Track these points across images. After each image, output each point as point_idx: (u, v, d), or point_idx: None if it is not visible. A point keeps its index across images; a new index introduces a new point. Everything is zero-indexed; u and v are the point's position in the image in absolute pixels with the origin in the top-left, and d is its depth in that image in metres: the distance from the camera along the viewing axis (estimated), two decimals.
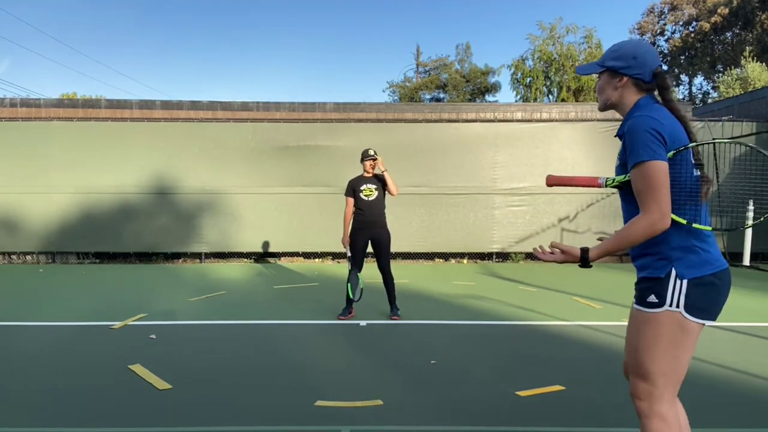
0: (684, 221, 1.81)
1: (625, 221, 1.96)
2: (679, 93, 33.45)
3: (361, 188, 5.57)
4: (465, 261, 10.40)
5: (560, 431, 2.92)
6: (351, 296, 5.43)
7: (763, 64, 21.01)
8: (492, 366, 4.06)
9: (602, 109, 2.09)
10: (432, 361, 4.10)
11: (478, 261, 10.38)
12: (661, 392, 1.85)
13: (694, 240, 1.84)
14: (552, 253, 1.91)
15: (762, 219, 1.99)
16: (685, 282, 1.80)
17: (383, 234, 5.56)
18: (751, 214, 8.87)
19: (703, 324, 1.83)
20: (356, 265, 5.52)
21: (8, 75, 60.59)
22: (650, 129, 1.78)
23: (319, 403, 3.27)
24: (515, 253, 10.26)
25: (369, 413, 3.14)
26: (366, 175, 5.62)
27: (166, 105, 13.53)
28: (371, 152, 5.62)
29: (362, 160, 5.62)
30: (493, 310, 5.97)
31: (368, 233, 5.53)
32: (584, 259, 1.87)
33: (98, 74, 69.52)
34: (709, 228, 1.87)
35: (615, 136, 2.03)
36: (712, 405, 3.23)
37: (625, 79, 1.94)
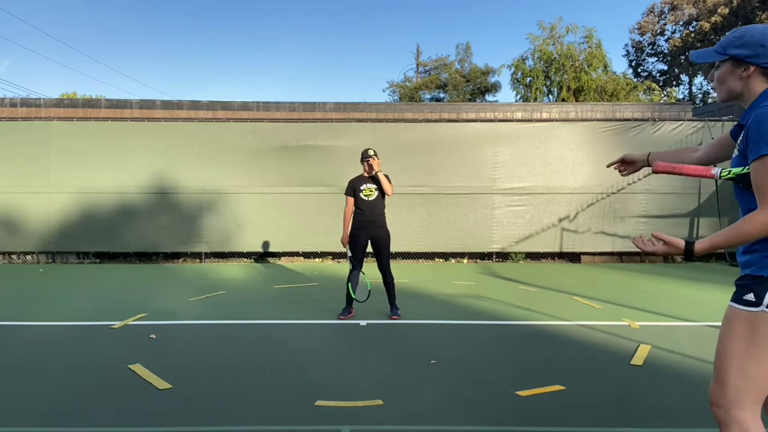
0: None
1: (742, 215, 1.83)
2: (679, 93, 33.46)
3: (362, 188, 5.57)
4: (465, 261, 10.40)
5: (560, 431, 2.92)
6: (353, 295, 5.45)
7: None
8: (492, 366, 4.06)
9: (725, 100, 1.92)
10: (432, 361, 4.10)
11: (478, 261, 10.38)
12: (740, 397, 1.73)
13: None
14: (654, 244, 1.78)
15: None
16: None
17: (382, 233, 5.58)
18: None
19: None
20: (356, 264, 5.53)
21: (8, 75, 60.60)
22: None
23: (319, 403, 3.27)
24: (515, 253, 10.26)
25: (369, 413, 3.14)
26: (366, 175, 5.62)
27: (166, 105, 13.56)
28: (370, 152, 5.60)
29: (362, 161, 5.61)
30: (493, 310, 5.97)
31: (368, 233, 5.54)
32: (689, 251, 1.75)
33: (98, 74, 69.57)
34: None
35: (736, 125, 1.91)
36: None
37: (753, 68, 1.78)
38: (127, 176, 9.86)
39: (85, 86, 78.32)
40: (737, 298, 1.77)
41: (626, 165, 2.30)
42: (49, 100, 13.39)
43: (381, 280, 5.61)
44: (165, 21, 58.15)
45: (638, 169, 2.29)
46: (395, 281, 5.68)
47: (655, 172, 1.92)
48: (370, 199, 5.54)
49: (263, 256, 10.27)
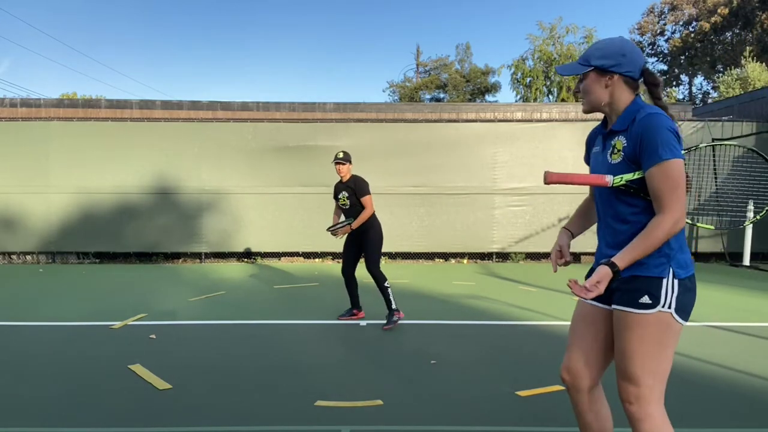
0: (690, 220, 1.82)
1: (616, 223, 1.91)
2: (679, 93, 33.45)
3: (338, 196, 5.35)
4: (465, 261, 10.40)
5: (560, 431, 2.92)
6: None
7: (763, 64, 21.00)
8: (492, 366, 4.06)
9: (589, 111, 2.00)
10: (432, 361, 4.10)
11: (478, 261, 10.38)
12: (651, 393, 1.84)
13: (683, 239, 1.86)
14: (590, 290, 1.77)
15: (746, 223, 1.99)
16: (677, 282, 1.81)
17: (366, 237, 5.25)
18: (750, 214, 8.89)
19: (683, 325, 1.84)
20: (343, 269, 5.41)
21: (8, 75, 60.57)
22: (671, 128, 1.76)
23: (319, 403, 3.27)
24: (515, 253, 10.26)
25: (369, 413, 3.14)
26: (342, 180, 5.33)
27: (166, 105, 13.56)
28: (339, 155, 5.24)
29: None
30: (493, 310, 5.97)
31: (352, 240, 5.37)
32: (616, 273, 1.78)
33: (98, 74, 69.55)
34: (712, 227, 1.88)
35: (605, 131, 1.98)
36: (712, 405, 3.23)
37: (616, 77, 1.88)
38: (127, 176, 9.85)
39: (85, 86, 78.33)
40: (630, 302, 1.82)
41: (563, 254, 2.14)
42: (49, 100, 13.39)
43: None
44: (165, 21, 58.18)
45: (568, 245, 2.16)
46: (396, 281, 5.62)
47: (546, 182, 1.95)
48: (346, 207, 5.31)
49: (263, 256, 10.26)
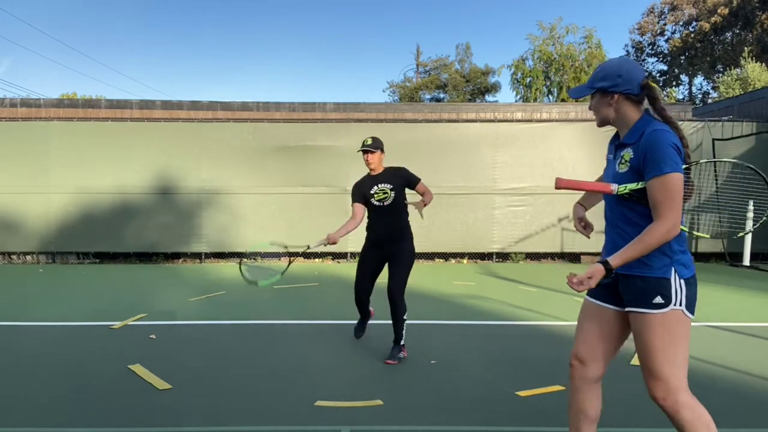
0: (686, 228, 1.98)
1: (623, 224, 2.08)
2: (679, 93, 33.46)
3: (371, 191, 4.23)
4: (465, 261, 10.40)
5: (560, 431, 2.92)
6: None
7: (763, 64, 21.01)
8: (492, 366, 4.06)
9: (601, 125, 2.23)
10: (432, 361, 4.10)
11: (478, 261, 10.37)
12: (678, 384, 1.98)
13: (684, 243, 2.03)
14: (582, 283, 1.94)
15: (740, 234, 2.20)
16: (683, 281, 1.97)
17: (401, 249, 4.19)
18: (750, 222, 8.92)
19: (691, 318, 2.01)
20: (359, 289, 4.30)
21: (8, 75, 60.60)
22: (672, 144, 1.93)
23: (319, 403, 3.27)
24: (515, 253, 10.26)
25: (369, 413, 3.14)
26: (372, 173, 4.30)
27: (166, 105, 13.55)
28: (368, 141, 4.27)
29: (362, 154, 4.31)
30: (493, 310, 5.97)
31: (382, 252, 4.25)
32: (609, 270, 1.94)
33: (98, 74, 69.63)
34: (708, 236, 2.06)
35: (618, 143, 2.16)
36: (712, 405, 3.22)
37: (617, 96, 2.07)
38: (127, 176, 9.85)
39: (85, 86, 78.44)
40: (645, 303, 1.98)
41: (586, 223, 2.44)
42: (49, 101, 13.38)
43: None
44: (165, 21, 58.17)
45: (587, 210, 2.50)
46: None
47: (557, 188, 2.17)
48: (384, 205, 4.18)
49: (263, 256, 10.26)
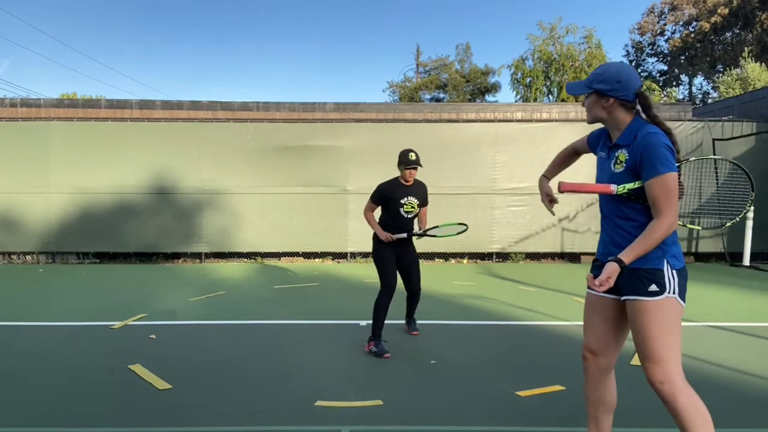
0: (681, 222, 2.01)
1: (620, 221, 2.21)
2: (679, 93, 33.44)
3: (402, 201, 4.48)
4: (465, 261, 10.40)
5: (560, 431, 2.92)
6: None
7: (763, 64, 21.00)
8: (492, 366, 4.06)
9: (592, 123, 2.37)
10: (432, 361, 4.11)
11: (478, 261, 10.37)
12: (675, 368, 2.08)
13: (675, 235, 2.16)
14: (603, 284, 2.06)
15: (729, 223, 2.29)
16: (674, 271, 2.11)
17: (413, 249, 4.76)
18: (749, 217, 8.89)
19: (684, 306, 2.14)
20: (388, 285, 4.48)
21: (8, 75, 60.59)
22: (666, 145, 2.06)
23: (319, 403, 3.27)
24: (515, 253, 10.26)
25: (369, 413, 3.15)
26: (405, 183, 4.51)
27: (166, 105, 13.56)
28: (412, 157, 4.40)
29: (404, 166, 4.43)
30: (493, 310, 5.97)
31: (397, 250, 4.61)
32: (623, 267, 2.06)
33: (98, 74, 69.60)
34: (700, 227, 2.16)
35: (611, 144, 2.29)
36: (712, 405, 3.22)
37: (612, 100, 2.18)
38: (127, 176, 9.85)
39: (85, 86, 78.43)
40: (641, 292, 2.10)
41: (551, 197, 2.65)
42: (49, 101, 13.39)
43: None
44: (165, 21, 58.17)
45: (550, 191, 2.68)
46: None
47: (560, 191, 2.29)
48: (409, 216, 4.56)
49: (263, 256, 10.26)
